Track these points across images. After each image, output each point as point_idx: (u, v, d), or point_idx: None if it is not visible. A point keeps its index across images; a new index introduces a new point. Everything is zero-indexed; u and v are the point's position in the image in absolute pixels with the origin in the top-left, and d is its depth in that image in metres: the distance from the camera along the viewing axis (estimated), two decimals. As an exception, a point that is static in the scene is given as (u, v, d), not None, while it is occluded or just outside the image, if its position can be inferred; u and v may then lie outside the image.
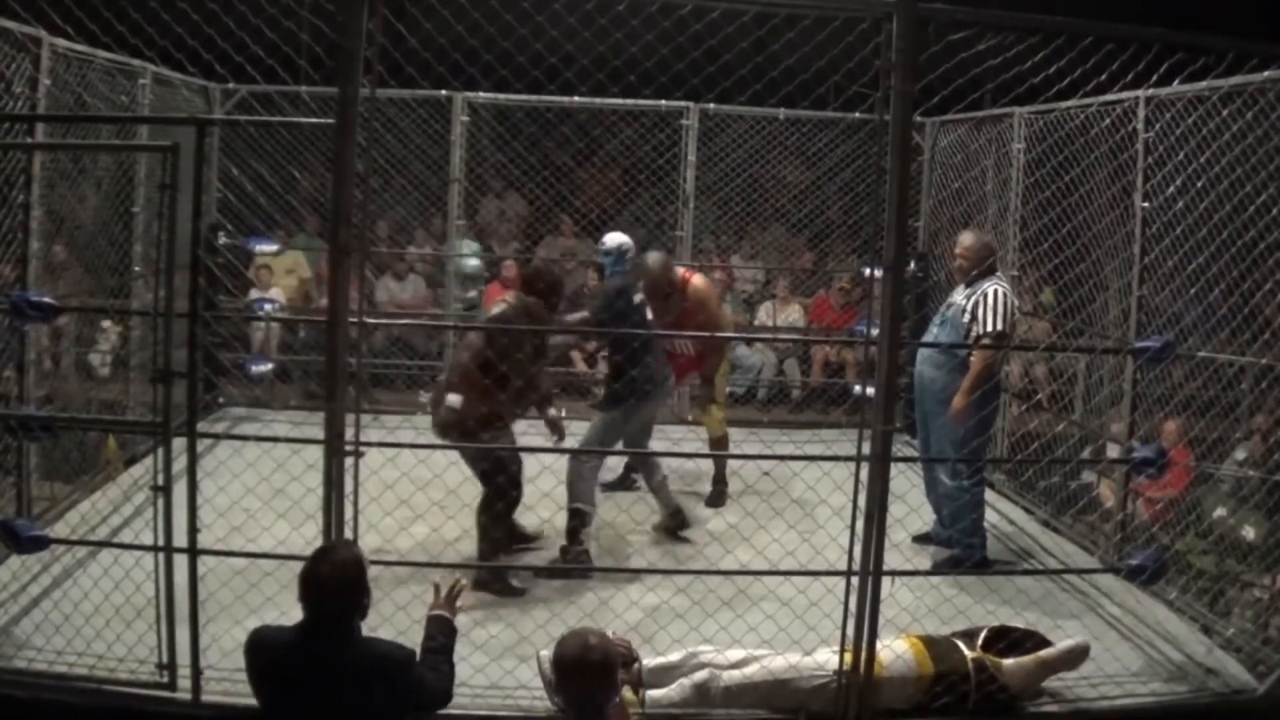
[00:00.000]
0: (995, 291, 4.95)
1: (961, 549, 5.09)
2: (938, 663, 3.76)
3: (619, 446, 5.32)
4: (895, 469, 3.71)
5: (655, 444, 6.20)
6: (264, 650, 2.84)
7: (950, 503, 5.11)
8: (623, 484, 6.05)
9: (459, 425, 4.55)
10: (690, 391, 5.97)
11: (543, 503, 4.80)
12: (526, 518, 4.71)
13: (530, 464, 4.77)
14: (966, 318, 4.99)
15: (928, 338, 5.37)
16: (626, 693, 3.43)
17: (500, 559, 4.73)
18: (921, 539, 5.41)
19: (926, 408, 5.20)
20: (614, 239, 5.70)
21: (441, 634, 3.12)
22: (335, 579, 2.80)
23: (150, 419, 4.03)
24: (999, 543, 5.51)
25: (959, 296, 5.13)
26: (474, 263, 8.57)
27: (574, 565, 4.81)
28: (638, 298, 5.34)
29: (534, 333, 4.71)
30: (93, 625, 3.87)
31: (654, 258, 5.74)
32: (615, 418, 5.13)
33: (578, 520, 4.92)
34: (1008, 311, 4.93)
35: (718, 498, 6.04)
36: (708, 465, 6.09)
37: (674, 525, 5.42)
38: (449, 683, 3.07)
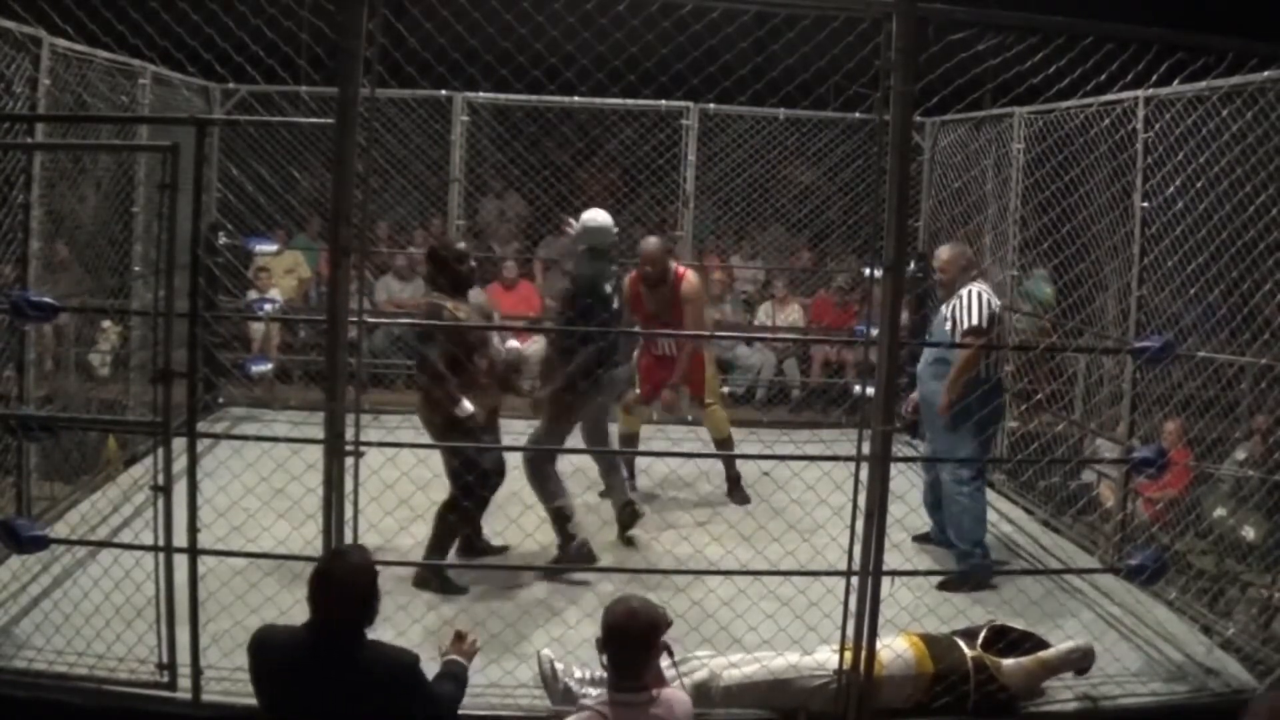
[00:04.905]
0: (970, 292, 4.99)
1: (964, 559, 5.03)
2: (937, 662, 3.77)
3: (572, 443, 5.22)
4: (895, 469, 3.71)
5: (656, 444, 6.21)
6: (270, 649, 2.82)
7: (954, 512, 5.06)
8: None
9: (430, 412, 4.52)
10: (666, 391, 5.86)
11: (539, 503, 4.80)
12: (526, 518, 4.71)
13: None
14: (948, 325, 5.02)
15: (925, 354, 5.36)
16: None
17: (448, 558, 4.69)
18: (921, 539, 5.41)
19: (929, 420, 5.20)
20: (600, 217, 5.20)
21: (453, 671, 3.08)
22: (349, 582, 2.77)
23: (150, 419, 4.04)
24: (999, 543, 5.51)
25: (945, 309, 5.16)
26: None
27: (580, 559, 4.78)
28: (608, 287, 5.11)
29: (458, 324, 4.53)
30: (93, 625, 3.87)
31: (653, 241, 5.74)
32: (559, 411, 4.99)
33: (561, 516, 4.88)
34: (983, 308, 4.93)
35: (738, 493, 6.06)
36: (706, 465, 6.08)
37: (626, 519, 5.32)
38: (455, 701, 3.02)
